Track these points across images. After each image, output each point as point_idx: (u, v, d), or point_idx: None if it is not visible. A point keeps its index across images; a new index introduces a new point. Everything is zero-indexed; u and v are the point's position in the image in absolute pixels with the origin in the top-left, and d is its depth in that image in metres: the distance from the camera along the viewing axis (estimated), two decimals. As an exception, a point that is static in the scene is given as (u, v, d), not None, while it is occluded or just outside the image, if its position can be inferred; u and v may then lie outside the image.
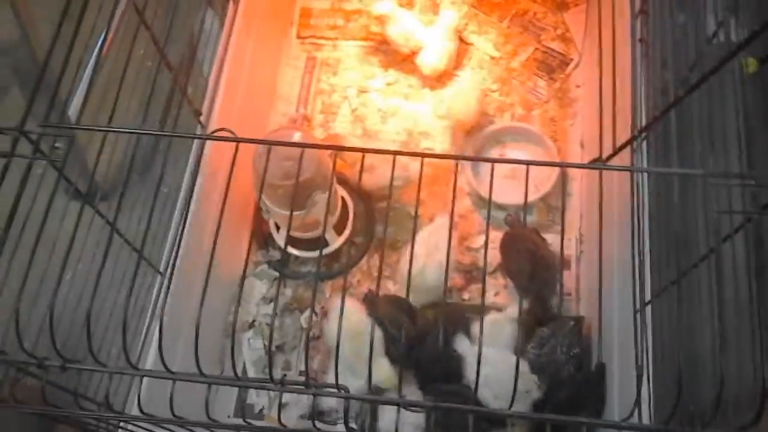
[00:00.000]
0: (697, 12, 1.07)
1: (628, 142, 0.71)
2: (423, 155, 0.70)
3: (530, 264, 1.21)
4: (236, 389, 1.28)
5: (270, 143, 0.71)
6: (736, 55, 0.58)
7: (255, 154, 1.10)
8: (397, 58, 1.53)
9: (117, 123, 0.90)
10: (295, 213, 1.15)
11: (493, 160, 0.74)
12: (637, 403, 0.94)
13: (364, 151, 0.70)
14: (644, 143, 1.06)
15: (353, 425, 0.69)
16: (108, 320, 0.95)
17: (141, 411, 0.72)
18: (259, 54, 1.43)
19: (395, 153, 0.70)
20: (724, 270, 0.83)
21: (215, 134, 0.75)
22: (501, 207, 1.33)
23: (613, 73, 1.05)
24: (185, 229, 1.14)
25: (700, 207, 0.87)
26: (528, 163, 0.73)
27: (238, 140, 0.70)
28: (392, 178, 0.72)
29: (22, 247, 0.73)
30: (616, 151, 0.73)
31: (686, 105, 0.94)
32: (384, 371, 1.12)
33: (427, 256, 1.22)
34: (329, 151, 1.20)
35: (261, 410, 1.25)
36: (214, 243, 0.79)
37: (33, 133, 0.73)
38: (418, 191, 0.79)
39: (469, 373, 1.09)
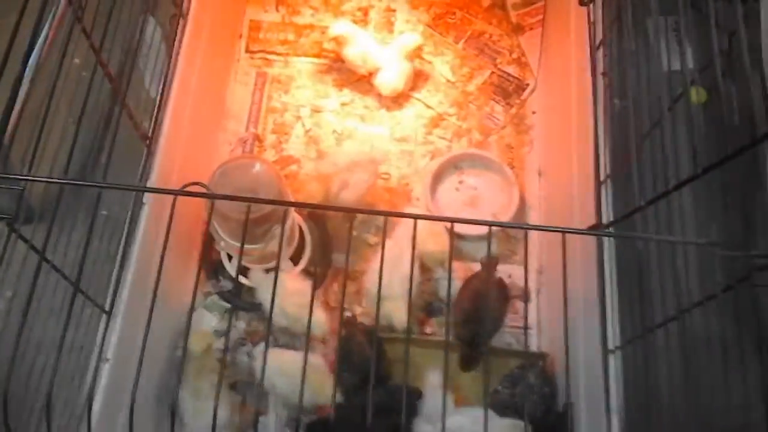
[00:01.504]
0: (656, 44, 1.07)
1: (634, 212, 0.69)
2: (416, 216, 0.66)
3: (471, 302, 1.16)
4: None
5: (248, 200, 0.66)
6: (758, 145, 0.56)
7: (210, 183, 1.03)
8: (352, 77, 1.49)
9: (53, 142, 0.82)
10: (252, 247, 1.09)
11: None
12: None
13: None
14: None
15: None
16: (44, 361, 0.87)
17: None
18: (207, 69, 1.35)
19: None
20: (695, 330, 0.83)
21: (188, 189, 0.68)
22: (461, 237, 1.31)
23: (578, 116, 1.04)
24: (131, 263, 1.07)
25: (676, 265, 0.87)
26: (525, 228, 0.71)
27: (213, 197, 0.64)
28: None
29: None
30: (619, 220, 0.71)
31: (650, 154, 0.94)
32: (327, 390, 1.09)
33: (388, 278, 1.19)
34: (287, 182, 1.15)
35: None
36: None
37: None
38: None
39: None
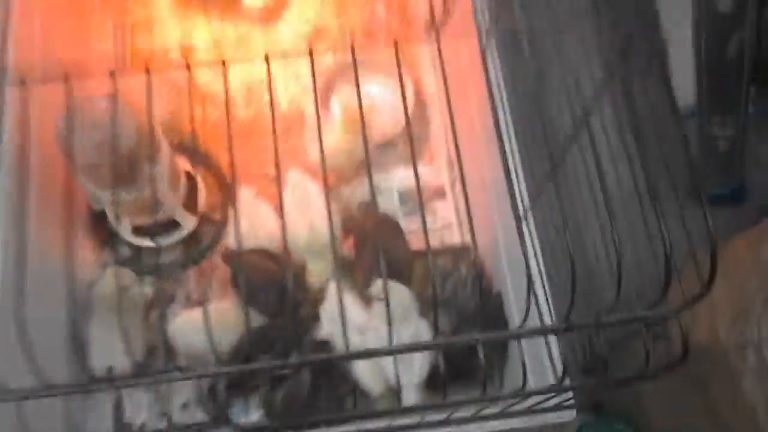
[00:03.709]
0: None
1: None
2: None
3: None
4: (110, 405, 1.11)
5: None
6: None
7: (56, 130, 0.91)
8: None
9: None
10: (123, 194, 0.98)
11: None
12: (529, 302, 0.87)
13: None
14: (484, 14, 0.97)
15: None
16: None
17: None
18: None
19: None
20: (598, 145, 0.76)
21: None
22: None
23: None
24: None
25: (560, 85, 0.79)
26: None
27: None
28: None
29: None
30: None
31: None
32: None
33: (297, 216, 1.10)
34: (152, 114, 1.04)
35: (142, 427, 1.09)
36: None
37: None
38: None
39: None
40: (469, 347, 0.95)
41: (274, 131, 0.70)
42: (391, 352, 0.56)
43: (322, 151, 0.66)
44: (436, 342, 0.59)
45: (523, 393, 0.63)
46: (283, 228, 0.77)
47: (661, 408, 0.86)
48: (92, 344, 1.06)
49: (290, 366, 0.55)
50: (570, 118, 0.67)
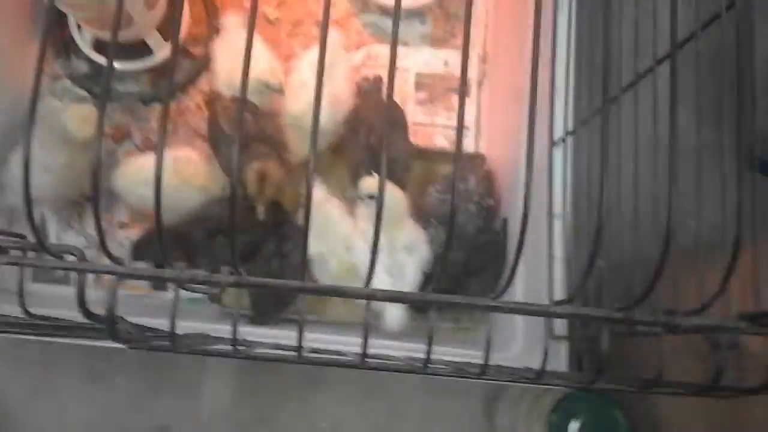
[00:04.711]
0: None
1: None
2: None
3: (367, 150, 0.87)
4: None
5: None
6: None
7: None
8: None
9: None
10: (85, -3, 0.78)
11: None
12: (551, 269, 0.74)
13: None
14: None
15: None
16: None
17: None
18: None
19: None
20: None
21: None
22: (387, 12, 1.02)
23: None
24: None
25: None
26: None
27: None
28: None
29: None
30: None
31: None
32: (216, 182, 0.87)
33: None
34: None
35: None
36: None
37: None
38: None
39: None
40: (464, 268, 0.82)
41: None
42: (369, 296, 0.40)
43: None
44: (429, 298, 0.41)
45: (532, 378, 0.49)
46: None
47: (681, 414, 0.74)
48: (13, 174, 0.88)
49: (218, 284, 0.39)
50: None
